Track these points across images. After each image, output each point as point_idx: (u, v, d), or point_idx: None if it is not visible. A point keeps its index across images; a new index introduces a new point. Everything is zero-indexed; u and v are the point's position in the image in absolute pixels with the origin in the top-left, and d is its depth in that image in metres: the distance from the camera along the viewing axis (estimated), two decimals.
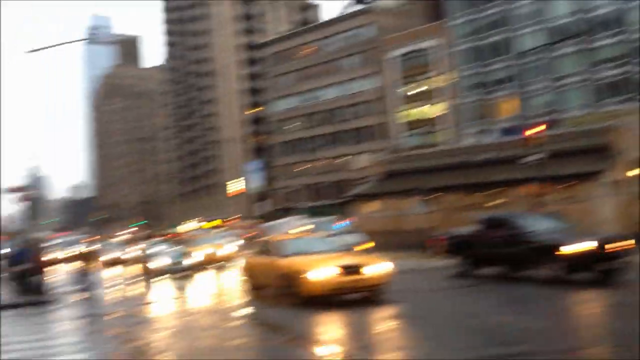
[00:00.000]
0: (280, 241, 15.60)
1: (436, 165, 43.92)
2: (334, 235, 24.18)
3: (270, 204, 74.50)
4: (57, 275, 29.05)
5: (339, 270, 12.51)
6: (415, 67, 66.81)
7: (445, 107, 63.67)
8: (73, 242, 47.21)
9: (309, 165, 78.66)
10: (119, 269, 33.01)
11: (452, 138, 61.95)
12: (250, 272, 15.99)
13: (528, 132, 26.11)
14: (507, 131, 54.05)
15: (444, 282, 16.39)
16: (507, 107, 56.98)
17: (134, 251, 39.50)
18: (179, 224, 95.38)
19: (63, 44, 23.43)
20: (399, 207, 42.73)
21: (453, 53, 61.60)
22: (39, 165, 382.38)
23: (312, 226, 23.08)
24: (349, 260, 13.60)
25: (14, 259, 21.72)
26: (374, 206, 46.20)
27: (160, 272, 23.43)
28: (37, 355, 9.27)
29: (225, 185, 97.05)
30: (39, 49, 22.83)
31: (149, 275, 23.12)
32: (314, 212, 68.75)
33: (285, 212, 74.86)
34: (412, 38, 65.98)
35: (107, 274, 29.64)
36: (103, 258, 35.61)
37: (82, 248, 37.11)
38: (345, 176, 73.89)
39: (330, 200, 73.06)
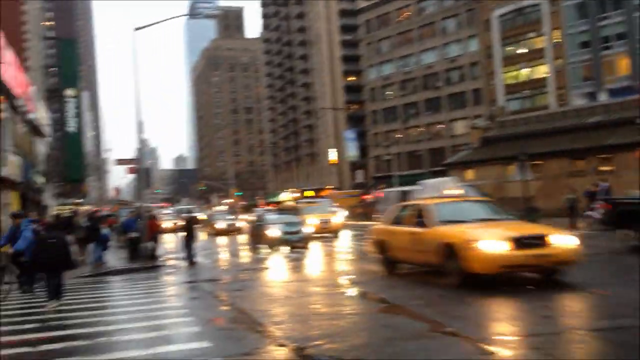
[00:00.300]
0: (436, 205, 12.39)
1: (538, 129, 42.04)
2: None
3: (363, 174, 74.33)
4: (167, 243, 30.63)
5: (518, 242, 10.09)
6: (517, 27, 63.51)
7: (549, 69, 60.31)
8: (181, 211, 49.35)
9: (404, 133, 77.55)
10: (225, 238, 34.74)
11: (555, 101, 58.75)
12: (384, 243, 13.62)
13: None
14: (617, 92, 50.55)
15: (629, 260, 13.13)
16: (617, 67, 53.21)
17: (243, 220, 41.00)
18: (276, 194, 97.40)
19: (169, 19, 23.92)
20: (499, 175, 41.39)
21: (558, 10, 57.93)
22: (147, 138, 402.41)
23: (462, 190, 15.68)
24: (529, 229, 11.09)
25: (125, 227, 23.00)
26: (471, 174, 45.04)
27: (276, 241, 22.45)
28: (144, 318, 9.72)
29: (321, 155, 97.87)
30: (146, 26, 23.59)
31: (265, 243, 22.82)
32: (409, 180, 68.13)
33: (380, 180, 74.63)
34: None
35: (218, 241, 30.49)
36: (217, 226, 37.96)
37: (188, 216, 38.65)
38: (442, 143, 72.33)
39: (425, 168, 71.91)
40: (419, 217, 12.23)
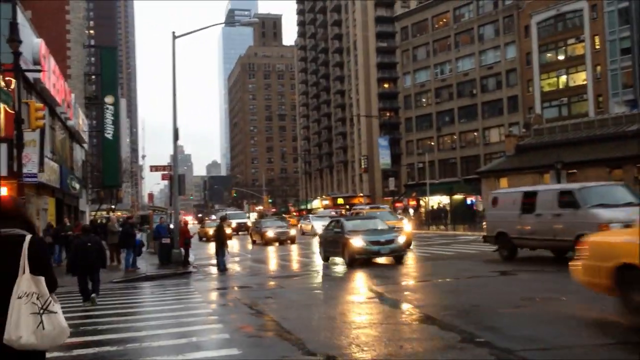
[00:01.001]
0: None
1: (575, 138, 41.24)
2: None
3: (395, 182, 73.86)
4: (200, 249, 30.96)
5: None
6: (557, 33, 62.51)
7: (588, 76, 59.14)
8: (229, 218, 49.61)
9: (438, 141, 76.91)
10: (274, 247, 32.33)
11: (593, 109, 57.55)
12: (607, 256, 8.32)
13: None
14: None
15: None
16: None
17: (295, 227, 40.29)
18: (308, 201, 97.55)
19: (207, 27, 24.03)
20: (534, 183, 40.69)
21: (600, 15, 56.82)
22: (181, 145, 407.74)
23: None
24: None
25: (157, 232, 23.28)
26: (505, 182, 44.38)
27: (360, 252, 18.34)
28: (174, 324, 9.79)
29: (354, 162, 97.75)
30: (185, 34, 23.93)
31: (344, 255, 19.06)
32: (442, 188, 67.54)
33: (412, 189, 74.12)
34: (555, 1, 61.65)
35: (270, 251, 28.84)
36: (268, 234, 34.03)
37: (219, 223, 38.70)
38: (476, 152, 71.49)
39: (458, 177, 71.17)
40: None
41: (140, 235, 25.50)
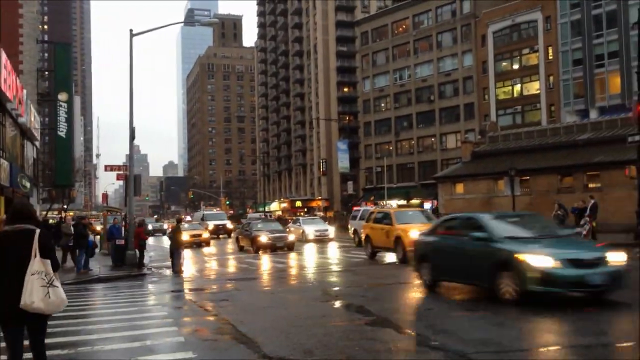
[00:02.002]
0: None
1: (529, 145, 42.28)
2: None
3: (353, 186, 74.34)
4: (154, 251, 30.45)
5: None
6: (512, 43, 64.07)
7: (541, 85, 60.77)
8: (205, 219, 49.44)
9: (396, 146, 77.73)
10: (271, 256, 25.79)
11: (546, 118, 59.14)
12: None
13: (635, 110, 24.24)
14: (608, 110, 50.98)
15: None
16: (609, 85, 53.67)
17: (292, 232, 32.92)
18: (266, 203, 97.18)
19: (166, 25, 23.71)
20: (489, 189, 41.52)
21: (553, 27, 58.43)
22: (137, 144, 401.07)
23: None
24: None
25: (111, 234, 22.82)
26: (461, 188, 45.16)
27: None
28: (127, 327, 9.60)
29: (313, 165, 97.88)
30: (143, 32, 23.54)
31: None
32: (399, 193, 68.27)
33: (371, 192, 74.68)
34: (510, 12, 63.16)
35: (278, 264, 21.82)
36: (261, 240, 27.77)
37: (189, 227, 37.98)
38: (433, 157, 72.53)
39: (415, 181, 72.05)
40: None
41: (93, 237, 24.92)
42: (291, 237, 29.18)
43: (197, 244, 35.21)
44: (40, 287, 5.15)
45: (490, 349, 7.06)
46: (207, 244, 36.35)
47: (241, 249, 30.63)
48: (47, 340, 8.54)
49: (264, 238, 27.80)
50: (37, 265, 5.20)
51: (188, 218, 57.56)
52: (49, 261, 5.25)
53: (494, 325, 8.74)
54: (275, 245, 27.89)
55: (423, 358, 6.86)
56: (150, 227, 51.94)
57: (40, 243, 5.27)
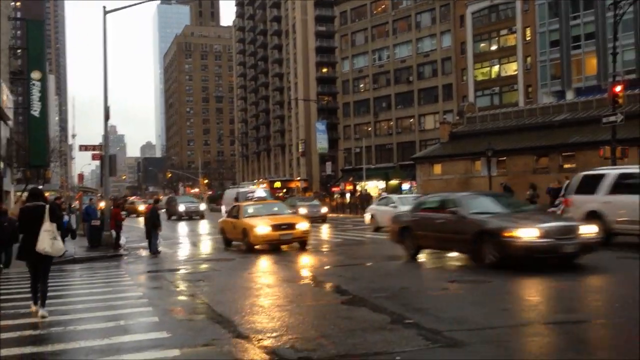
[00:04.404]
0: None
1: (506, 126, 42.61)
2: None
3: (331, 166, 74.38)
4: (131, 231, 30.20)
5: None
6: (490, 24, 64.20)
7: (519, 66, 61.11)
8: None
9: (375, 127, 77.80)
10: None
11: (523, 99, 59.58)
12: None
13: (611, 92, 24.55)
14: (584, 91, 51.49)
15: None
16: (586, 66, 54.14)
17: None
18: (245, 184, 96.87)
19: (141, 2, 23.17)
20: (466, 170, 41.85)
21: (531, 8, 58.58)
22: (114, 125, 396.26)
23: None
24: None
25: (87, 214, 22.57)
26: (439, 169, 45.45)
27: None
28: (101, 308, 9.53)
29: (292, 146, 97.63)
30: (117, 9, 23.07)
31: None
32: (378, 173, 68.51)
33: (350, 173, 74.82)
34: None
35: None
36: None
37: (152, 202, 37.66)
38: (412, 138, 72.77)
39: (394, 162, 72.31)
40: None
41: (69, 218, 24.62)
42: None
43: (285, 242, 18.72)
44: (48, 239, 8.85)
45: (464, 327, 7.13)
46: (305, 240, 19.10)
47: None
48: (16, 322, 8.55)
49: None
50: (47, 226, 8.92)
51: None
52: (55, 224, 9.01)
53: (470, 303, 8.82)
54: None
55: (397, 336, 6.90)
56: (182, 207, 45.48)
57: (50, 212, 9.06)
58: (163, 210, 39.93)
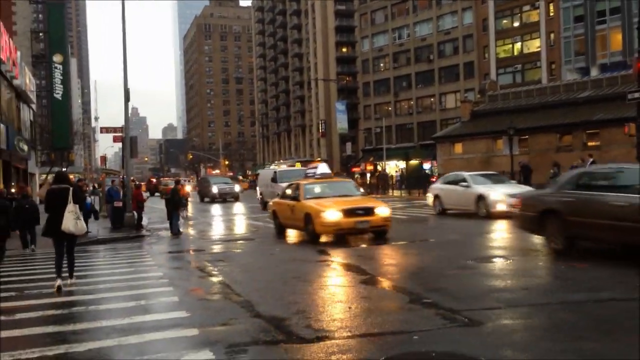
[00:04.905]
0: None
1: (528, 104, 41.98)
2: None
3: (351, 147, 74.12)
4: (153, 212, 30.53)
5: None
6: (512, 0, 63.01)
7: (542, 43, 59.99)
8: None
9: (395, 106, 77.23)
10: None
11: (546, 76, 58.56)
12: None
13: (636, 67, 23.95)
14: (609, 67, 50.44)
15: None
16: (611, 42, 52.98)
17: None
18: (266, 165, 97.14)
19: None
20: (487, 149, 41.43)
21: None
22: (136, 107, 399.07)
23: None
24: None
25: (110, 196, 22.86)
26: (460, 148, 45.05)
27: None
28: (123, 288, 9.67)
29: (312, 126, 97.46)
30: None
31: None
32: (398, 153, 68.14)
33: (370, 153, 74.55)
34: None
35: None
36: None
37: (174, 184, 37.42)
38: (432, 117, 72.13)
39: (415, 142, 71.84)
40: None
41: (92, 199, 24.95)
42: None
43: (360, 232, 15.04)
44: (72, 219, 9.73)
45: (480, 306, 7.09)
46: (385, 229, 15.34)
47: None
48: (43, 301, 8.73)
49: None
50: (71, 207, 9.76)
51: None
52: (77, 205, 9.88)
53: (487, 281, 8.78)
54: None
55: (415, 315, 6.90)
56: (215, 189, 42.59)
57: (74, 194, 9.91)
58: (187, 191, 36.99)
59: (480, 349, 5.43)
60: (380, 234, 14.89)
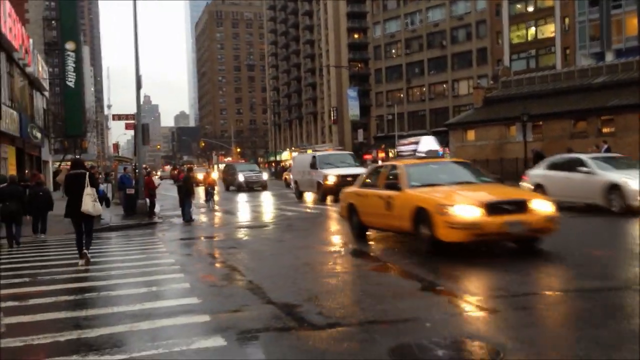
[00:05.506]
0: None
1: (542, 90, 41.53)
2: None
3: (363, 134, 73.93)
4: (165, 200, 30.65)
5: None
6: None
7: (556, 28, 59.24)
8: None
9: (407, 93, 76.78)
10: None
11: (560, 62, 57.89)
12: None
13: None
14: (624, 52, 49.73)
15: None
16: (626, 26, 52.19)
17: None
18: (278, 152, 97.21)
19: None
20: (501, 136, 41.10)
21: None
22: (148, 95, 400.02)
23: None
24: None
25: (122, 183, 22.94)
26: (472, 135, 44.73)
27: None
28: (136, 274, 9.70)
29: (324, 113, 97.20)
30: None
31: None
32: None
33: (382, 140, 74.28)
34: None
35: None
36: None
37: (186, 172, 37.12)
38: (445, 104, 71.67)
39: (427, 129, 71.48)
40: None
41: (105, 187, 25.08)
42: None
43: (512, 237, 9.98)
44: (90, 202, 10.73)
45: (495, 294, 7.02)
46: (546, 232, 10.14)
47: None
48: (55, 287, 8.78)
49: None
50: (88, 190, 10.74)
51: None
52: (94, 189, 10.95)
53: (499, 271, 8.69)
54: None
55: (427, 303, 6.84)
56: (242, 177, 40.28)
57: (90, 179, 10.91)
58: (214, 179, 32.43)
59: None
60: (532, 243, 10.00)
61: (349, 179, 22.90)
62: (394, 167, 12.08)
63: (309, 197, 28.68)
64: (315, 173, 26.03)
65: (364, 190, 12.70)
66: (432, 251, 9.76)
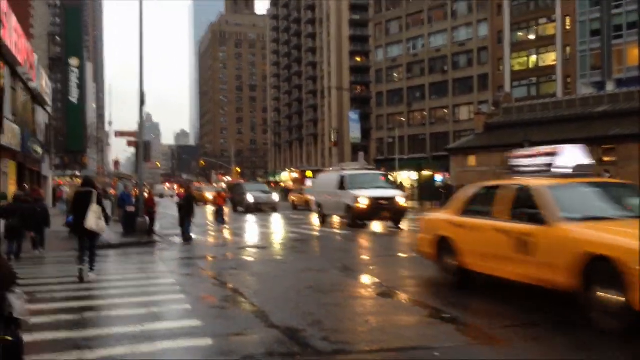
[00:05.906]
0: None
1: (543, 117, 41.69)
2: None
3: (364, 156, 73.95)
4: (164, 219, 30.49)
5: None
6: (529, 12, 62.76)
7: (558, 56, 59.66)
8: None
9: (408, 117, 77.04)
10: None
11: (561, 90, 58.18)
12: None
13: None
14: (625, 82, 50.02)
15: None
16: (627, 56, 52.56)
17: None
18: (277, 173, 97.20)
19: None
20: (501, 162, 41.13)
21: None
22: (150, 113, 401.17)
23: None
24: None
25: (122, 200, 22.82)
26: (473, 160, 44.78)
27: None
28: (135, 294, 9.56)
29: (324, 135, 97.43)
30: None
31: None
32: (411, 164, 67.88)
33: (382, 163, 74.29)
34: None
35: None
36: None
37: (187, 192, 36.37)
38: (446, 128, 71.86)
39: (427, 153, 71.54)
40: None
41: (104, 204, 24.92)
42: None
43: None
44: (94, 219, 10.91)
45: (501, 323, 6.90)
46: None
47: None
48: (51, 305, 8.62)
49: None
50: (94, 207, 10.95)
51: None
52: (100, 207, 11.13)
53: (505, 300, 8.57)
54: None
55: (434, 331, 6.72)
56: (251, 198, 37.50)
57: (97, 197, 11.14)
58: (225, 195, 31.45)
59: None
60: None
61: (383, 202, 21.64)
62: (525, 188, 8.36)
63: (336, 220, 25.63)
64: (344, 195, 23.24)
65: (470, 220, 9.13)
66: (619, 328, 6.14)
